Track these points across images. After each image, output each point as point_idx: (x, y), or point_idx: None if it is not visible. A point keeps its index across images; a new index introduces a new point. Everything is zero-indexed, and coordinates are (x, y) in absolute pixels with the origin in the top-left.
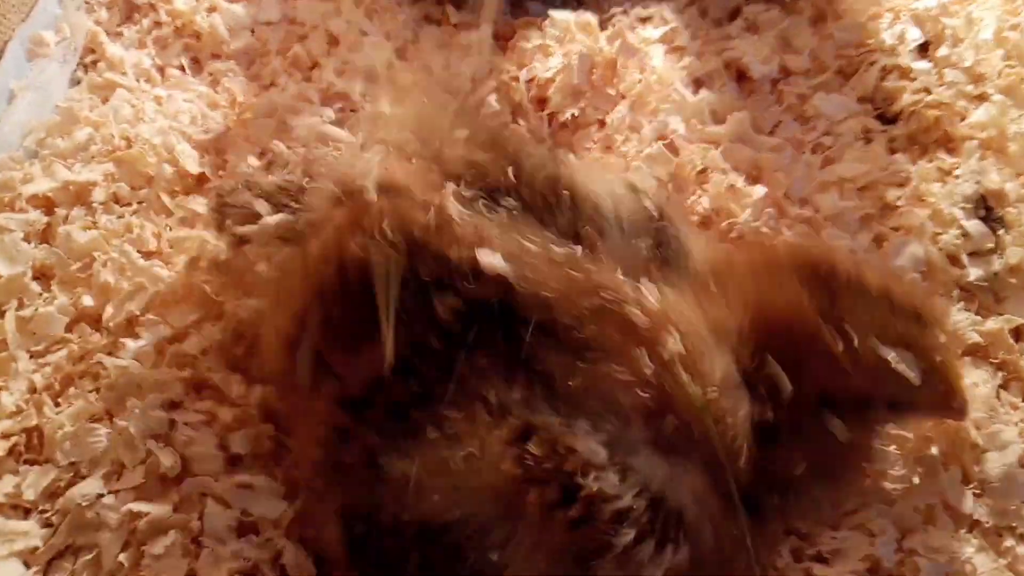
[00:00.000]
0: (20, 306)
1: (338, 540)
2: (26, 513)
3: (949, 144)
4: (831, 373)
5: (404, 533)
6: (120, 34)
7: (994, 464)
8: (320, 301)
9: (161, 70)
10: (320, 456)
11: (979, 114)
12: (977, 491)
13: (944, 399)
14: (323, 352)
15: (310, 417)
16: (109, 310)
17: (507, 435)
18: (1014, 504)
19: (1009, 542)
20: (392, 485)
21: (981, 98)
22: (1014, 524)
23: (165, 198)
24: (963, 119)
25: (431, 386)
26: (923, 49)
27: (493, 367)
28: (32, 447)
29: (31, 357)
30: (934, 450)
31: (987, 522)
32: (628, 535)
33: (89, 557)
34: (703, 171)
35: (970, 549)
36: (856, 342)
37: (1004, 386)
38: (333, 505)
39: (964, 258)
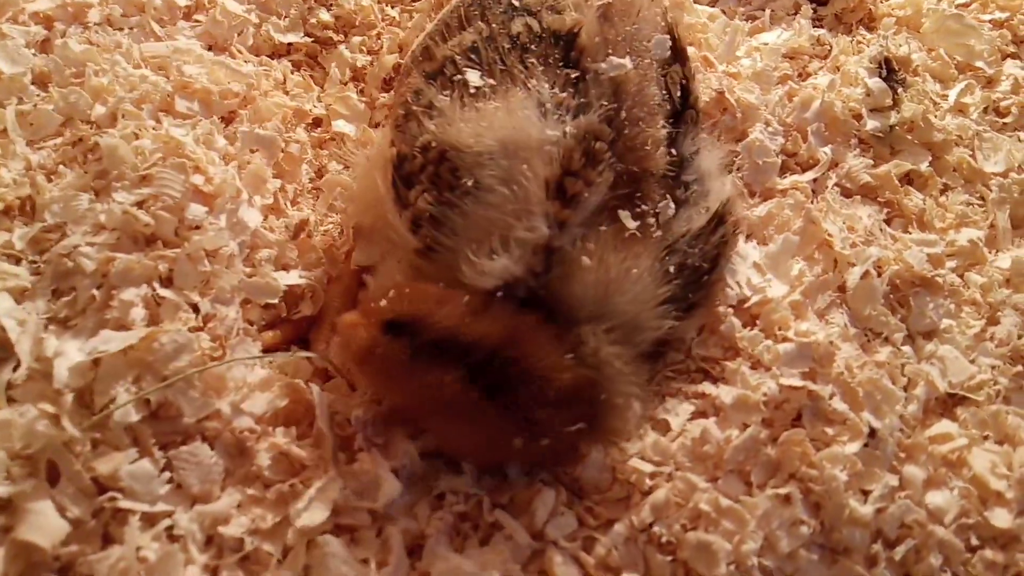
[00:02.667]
0: (20, 102)
1: (388, 179)
2: (17, 261)
3: (871, 23)
4: None
5: (430, 155)
6: None
7: (854, 277)
8: None
9: None
10: (396, 115)
11: None
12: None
13: None
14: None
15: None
16: (100, 108)
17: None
18: (874, 310)
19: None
20: (437, 120)
21: None
22: (873, 328)
23: (155, 26)
24: (885, 0)
25: (493, 72)
26: None
27: (544, 72)
28: (25, 211)
29: (28, 143)
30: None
31: (851, 329)
32: None
33: (68, 298)
34: None
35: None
36: None
37: (888, 221)
38: (391, 156)
39: (865, 112)
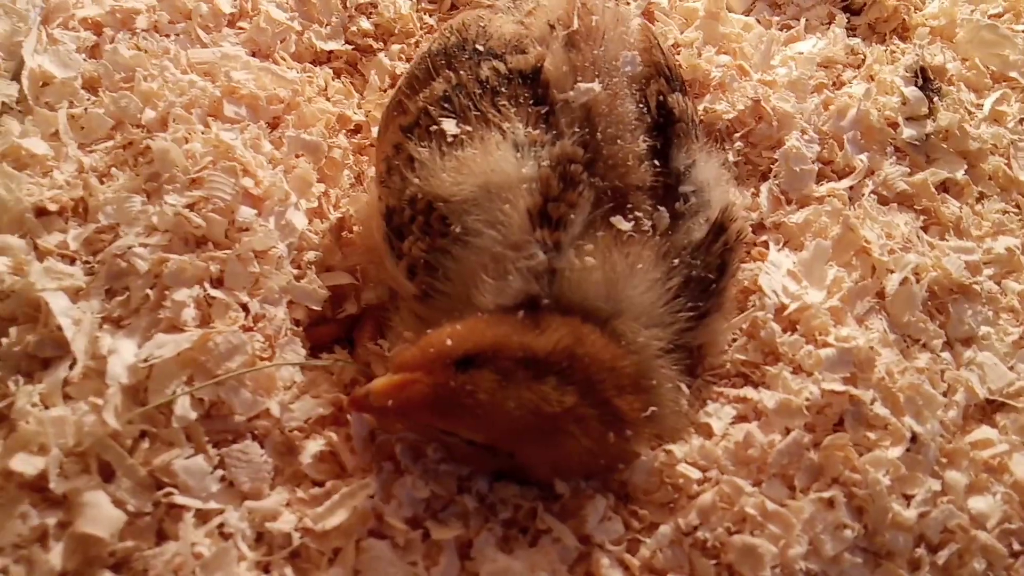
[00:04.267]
0: (71, 106)
1: (382, 231)
2: (71, 261)
3: (904, 33)
4: None
5: (417, 206)
6: None
7: (893, 283)
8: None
9: None
10: (380, 171)
11: (933, 6)
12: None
13: None
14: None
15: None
16: (150, 112)
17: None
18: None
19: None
20: (419, 172)
21: None
22: (912, 334)
23: (200, 32)
24: (918, 10)
25: (468, 118)
26: None
27: (516, 112)
28: (78, 213)
29: (80, 146)
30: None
31: (890, 335)
32: None
33: (122, 298)
34: (676, 45)
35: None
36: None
37: (925, 229)
38: (381, 210)
39: (901, 121)
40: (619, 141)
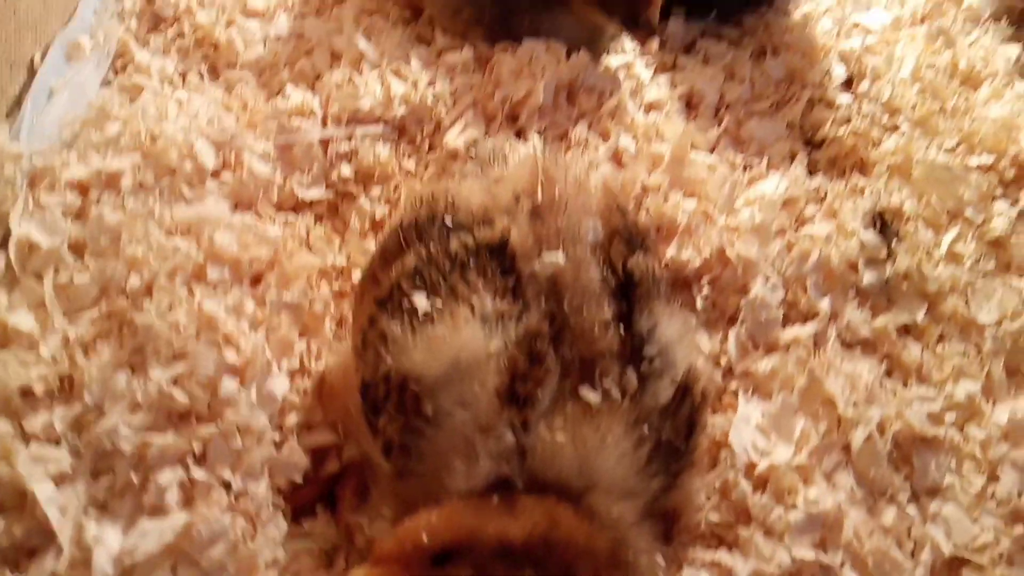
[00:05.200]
0: (57, 272)
1: (358, 404)
2: (56, 442)
3: (863, 168)
4: None
5: (391, 383)
6: (147, 42)
7: (859, 439)
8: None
9: (183, 76)
10: (356, 342)
11: (890, 143)
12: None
13: None
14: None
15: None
16: (135, 279)
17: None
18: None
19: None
20: (392, 348)
21: (894, 128)
22: (878, 488)
23: (184, 188)
24: (876, 146)
25: (438, 292)
26: (848, 84)
27: (484, 285)
28: (64, 390)
29: (65, 315)
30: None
31: (857, 491)
32: None
33: (107, 481)
34: (644, 189)
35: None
36: None
37: (888, 373)
38: (357, 383)
39: (861, 265)
40: (585, 311)
